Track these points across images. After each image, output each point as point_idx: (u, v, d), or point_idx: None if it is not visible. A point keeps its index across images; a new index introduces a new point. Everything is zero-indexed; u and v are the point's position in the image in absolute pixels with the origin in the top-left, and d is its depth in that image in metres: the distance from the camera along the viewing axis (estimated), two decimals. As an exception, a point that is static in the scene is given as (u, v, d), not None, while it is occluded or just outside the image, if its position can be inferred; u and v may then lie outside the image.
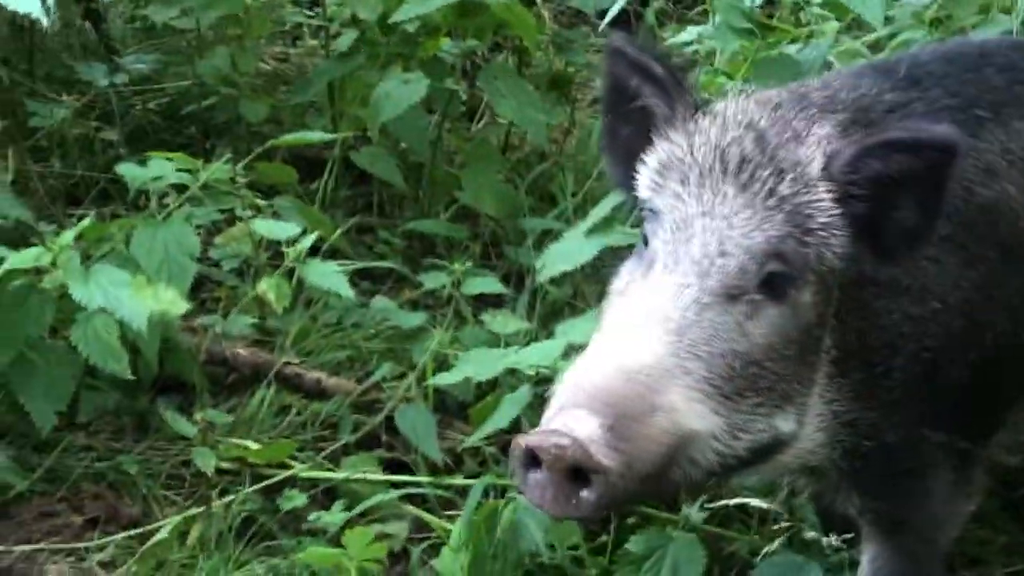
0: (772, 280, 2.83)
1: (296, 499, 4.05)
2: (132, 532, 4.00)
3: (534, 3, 5.27)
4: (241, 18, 5.54)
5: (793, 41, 4.56)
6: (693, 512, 3.90)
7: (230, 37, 5.63)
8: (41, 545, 3.92)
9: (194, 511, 4.00)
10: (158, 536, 3.90)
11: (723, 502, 3.85)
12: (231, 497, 4.03)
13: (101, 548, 3.92)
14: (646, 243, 2.94)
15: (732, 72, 4.28)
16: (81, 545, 3.92)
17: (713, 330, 2.78)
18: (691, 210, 2.88)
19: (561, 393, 2.73)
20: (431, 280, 4.68)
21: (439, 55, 5.21)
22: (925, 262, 3.11)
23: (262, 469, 4.14)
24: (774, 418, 2.90)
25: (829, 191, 2.88)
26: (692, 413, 2.72)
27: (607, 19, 4.80)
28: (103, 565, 3.85)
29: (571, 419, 2.61)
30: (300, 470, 4.15)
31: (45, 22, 3.59)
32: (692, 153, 2.94)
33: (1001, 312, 3.26)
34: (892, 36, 4.78)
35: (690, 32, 4.52)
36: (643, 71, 3.08)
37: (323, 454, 4.24)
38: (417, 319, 4.65)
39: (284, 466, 4.15)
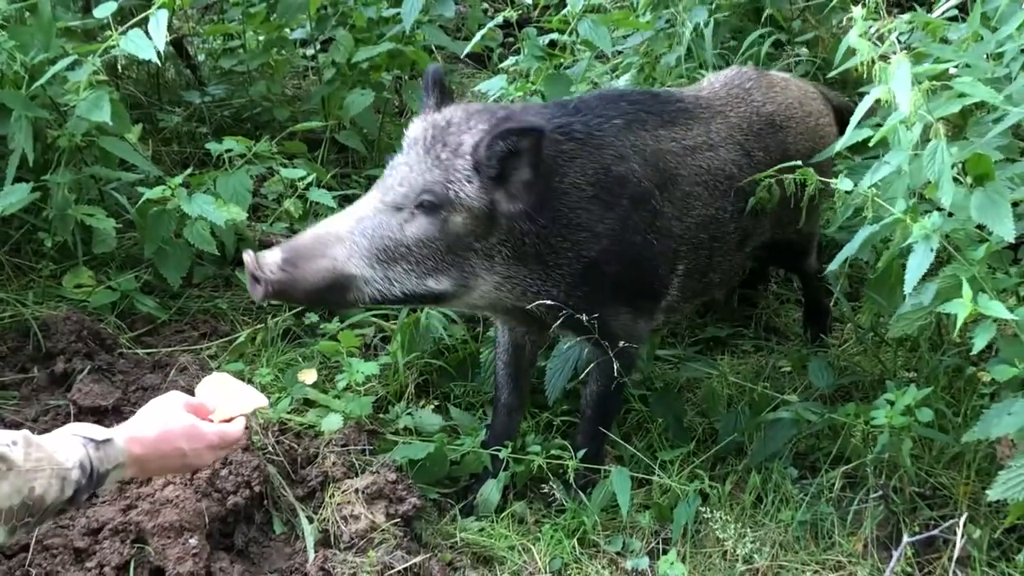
0: (424, 204, 3.04)
1: (313, 317, 4.14)
2: (224, 339, 4.05)
3: (432, 51, 5.36)
4: (272, 64, 5.60)
5: (567, 64, 4.60)
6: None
7: (266, 74, 5.65)
8: (175, 348, 3.98)
9: (258, 326, 4.09)
10: (239, 340, 4.01)
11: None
12: (277, 318, 4.12)
13: (208, 348, 4.00)
14: None
15: (535, 80, 4.31)
16: (197, 347, 4.00)
17: (380, 223, 3.04)
18: (400, 160, 3.14)
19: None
20: (381, 200, 4.73)
21: (380, 79, 5.25)
22: (579, 210, 3.24)
23: (293, 303, 4.23)
24: (425, 279, 3.10)
25: (471, 161, 3.07)
26: (350, 264, 3.00)
27: (465, 52, 4.99)
28: (210, 357, 3.93)
29: (271, 251, 2.97)
30: (314, 302, 4.26)
31: (158, 61, 3.60)
32: (416, 130, 3.18)
33: (635, 234, 3.35)
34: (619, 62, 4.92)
35: (512, 59, 4.58)
36: (425, 82, 3.33)
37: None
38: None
39: (305, 301, 4.25)
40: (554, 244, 3.25)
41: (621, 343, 3.33)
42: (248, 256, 2.97)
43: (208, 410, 2.47)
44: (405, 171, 3.11)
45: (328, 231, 3.07)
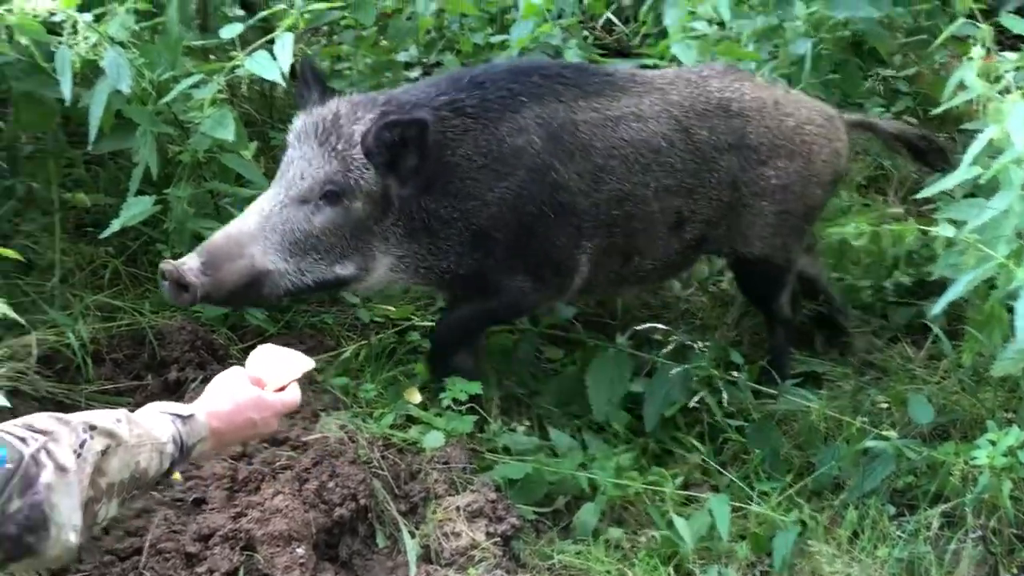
0: (328, 194, 3.22)
1: (414, 336, 4.16)
2: (330, 353, 4.04)
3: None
4: (381, 84, 5.59)
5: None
6: (622, 339, 3.96)
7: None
8: None
9: (361, 343, 4.11)
10: (344, 355, 4.02)
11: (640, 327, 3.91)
12: (380, 335, 4.16)
13: (316, 363, 4.04)
14: None
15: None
16: None
17: (288, 217, 3.20)
18: (295, 154, 3.27)
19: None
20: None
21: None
22: (468, 180, 3.39)
23: (396, 320, 4.25)
24: (333, 266, 3.30)
25: (362, 150, 3.21)
26: (266, 260, 3.16)
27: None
28: (317, 371, 3.79)
29: (187, 258, 3.10)
30: (417, 321, 4.24)
31: (283, 83, 3.69)
32: (304, 124, 3.32)
33: (530, 204, 3.46)
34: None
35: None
36: (304, 77, 3.47)
37: (429, 311, 4.31)
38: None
39: (408, 319, 4.25)
40: (443, 215, 3.42)
41: (508, 300, 3.61)
42: (168, 265, 3.11)
43: (263, 382, 2.54)
44: (304, 165, 3.28)
45: (240, 230, 3.22)
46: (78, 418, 2.03)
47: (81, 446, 1.98)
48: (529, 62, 3.92)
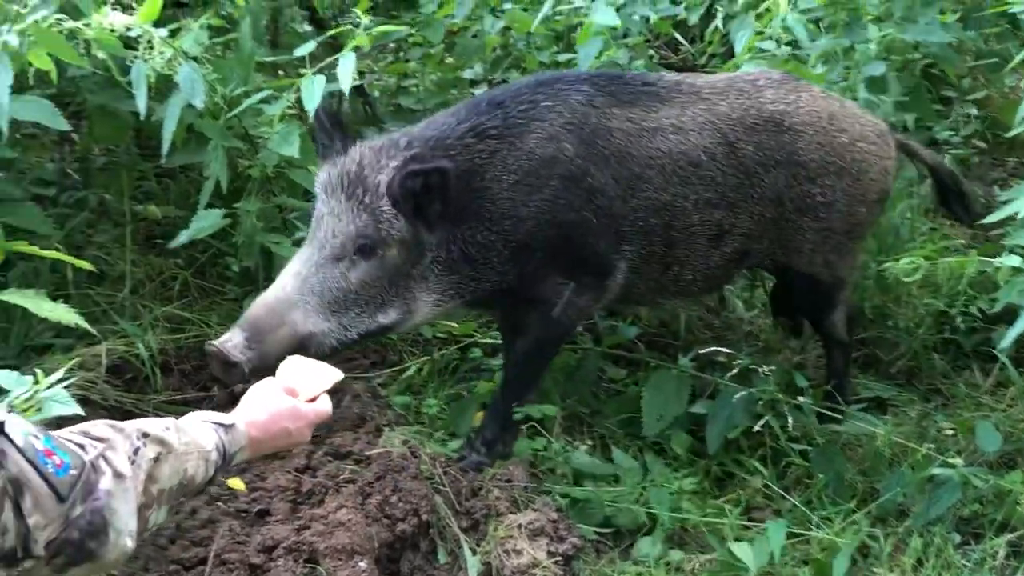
0: (363, 248, 3.19)
1: (476, 352, 4.18)
2: (393, 368, 4.11)
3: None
4: (448, 101, 5.69)
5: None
6: (684, 360, 3.92)
7: (442, 112, 5.69)
8: (347, 375, 3.85)
9: (425, 359, 4.13)
10: (408, 371, 4.08)
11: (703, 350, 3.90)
12: (443, 351, 4.18)
13: (378, 377, 4.07)
14: None
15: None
16: (367, 375, 4.07)
17: (325, 278, 3.18)
18: (324, 210, 3.24)
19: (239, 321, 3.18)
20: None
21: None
22: (501, 200, 3.36)
23: (459, 337, 4.25)
24: (375, 316, 3.27)
25: (388, 200, 3.18)
26: (308, 324, 3.14)
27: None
28: (380, 386, 4.00)
29: (231, 335, 3.11)
30: (480, 337, 4.25)
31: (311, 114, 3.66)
32: (329, 176, 3.26)
33: (568, 212, 3.41)
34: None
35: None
36: (322, 125, 3.42)
37: (492, 328, 4.27)
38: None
39: (471, 335, 4.25)
40: (480, 240, 3.40)
41: (556, 310, 3.51)
42: (213, 346, 3.11)
43: (296, 392, 2.56)
44: (334, 221, 3.24)
45: (278, 298, 3.20)
46: (131, 426, 2.08)
47: (135, 453, 2.03)
48: (550, 74, 3.91)
